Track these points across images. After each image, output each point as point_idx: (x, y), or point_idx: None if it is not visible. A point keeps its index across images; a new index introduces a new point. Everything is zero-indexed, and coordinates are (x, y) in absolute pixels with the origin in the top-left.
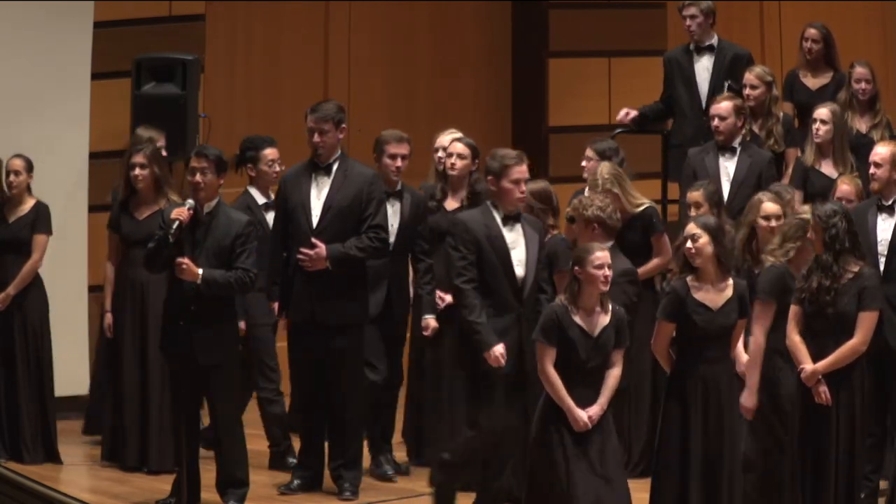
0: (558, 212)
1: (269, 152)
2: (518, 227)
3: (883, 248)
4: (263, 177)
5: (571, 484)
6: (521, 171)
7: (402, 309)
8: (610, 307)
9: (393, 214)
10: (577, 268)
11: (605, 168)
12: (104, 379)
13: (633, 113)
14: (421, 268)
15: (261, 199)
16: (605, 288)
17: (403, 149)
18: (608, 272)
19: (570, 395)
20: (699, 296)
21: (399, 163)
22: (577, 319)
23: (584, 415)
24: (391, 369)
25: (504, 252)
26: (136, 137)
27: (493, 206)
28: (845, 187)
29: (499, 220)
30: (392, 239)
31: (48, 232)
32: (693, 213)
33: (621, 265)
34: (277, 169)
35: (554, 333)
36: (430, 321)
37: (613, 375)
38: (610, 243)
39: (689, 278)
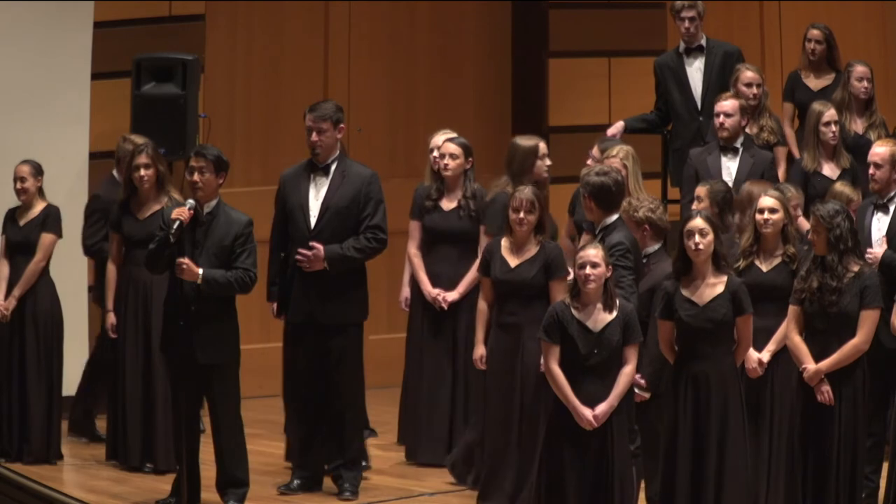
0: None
1: None
2: None
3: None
4: None
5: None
6: None
7: None
8: (617, 304)
9: None
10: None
11: (625, 146)
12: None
13: (620, 125)
14: None
15: None
16: (590, 286)
17: None
18: (590, 271)
19: (577, 393)
20: (687, 292)
21: None
22: (578, 315)
23: (589, 413)
24: None
25: None
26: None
27: None
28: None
29: None
30: None
31: (56, 233)
32: (695, 205)
33: (668, 267)
34: None
35: (555, 330)
36: None
37: (625, 373)
38: (658, 245)
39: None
